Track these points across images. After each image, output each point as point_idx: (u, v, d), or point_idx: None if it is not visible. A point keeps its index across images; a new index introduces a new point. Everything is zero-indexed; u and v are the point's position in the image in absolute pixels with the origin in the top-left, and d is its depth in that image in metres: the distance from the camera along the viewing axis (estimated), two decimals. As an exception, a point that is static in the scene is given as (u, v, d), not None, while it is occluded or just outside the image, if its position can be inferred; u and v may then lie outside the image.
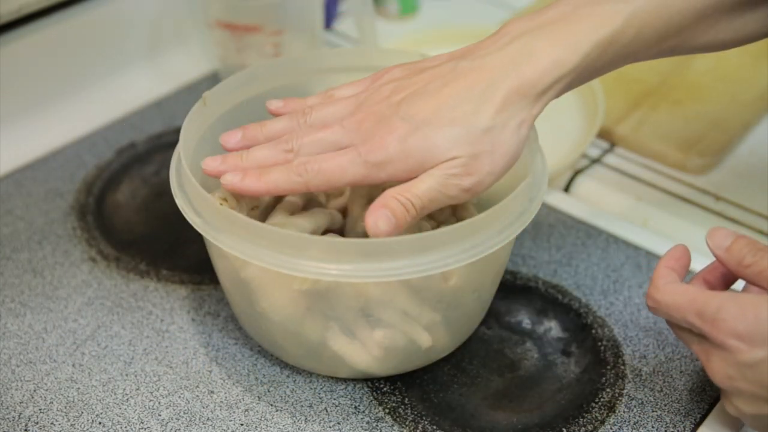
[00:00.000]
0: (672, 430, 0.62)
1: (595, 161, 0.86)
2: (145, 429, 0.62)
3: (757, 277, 0.54)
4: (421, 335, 0.61)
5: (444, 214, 0.65)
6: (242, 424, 0.62)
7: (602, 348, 0.68)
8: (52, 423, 0.62)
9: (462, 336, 0.66)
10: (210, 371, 0.66)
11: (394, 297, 0.58)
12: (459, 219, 0.64)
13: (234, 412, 0.63)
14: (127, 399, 0.64)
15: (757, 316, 0.50)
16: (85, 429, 0.62)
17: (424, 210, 0.55)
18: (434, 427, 0.62)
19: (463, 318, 0.64)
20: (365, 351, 0.61)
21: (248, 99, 0.68)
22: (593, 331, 0.69)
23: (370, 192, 0.63)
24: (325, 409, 0.63)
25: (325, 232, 0.63)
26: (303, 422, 0.62)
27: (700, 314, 0.53)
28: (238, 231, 0.56)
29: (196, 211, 0.59)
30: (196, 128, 0.65)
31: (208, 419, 0.62)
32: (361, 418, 0.63)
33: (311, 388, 0.65)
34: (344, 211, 0.66)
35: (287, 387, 0.65)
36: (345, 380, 0.65)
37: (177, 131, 0.89)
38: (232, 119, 0.67)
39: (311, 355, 0.63)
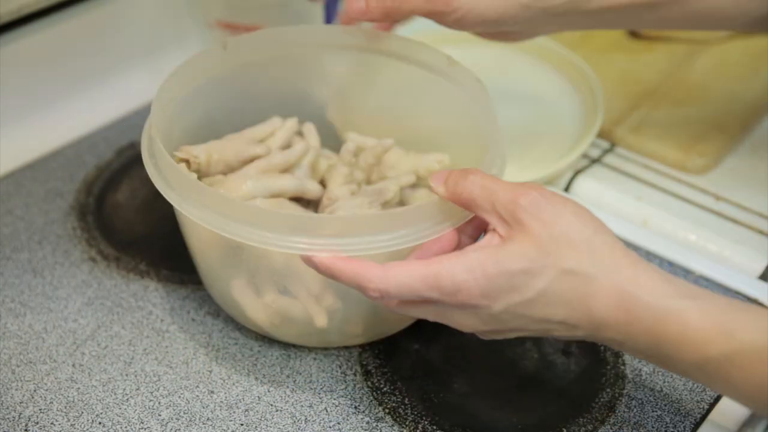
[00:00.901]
0: (672, 430, 0.62)
1: (595, 161, 0.86)
2: (145, 429, 0.62)
3: (470, 205, 0.55)
4: (318, 314, 0.62)
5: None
6: (242, 424, 0.62)
7: (602, 348, 0.68)
8: (52, 423, 0.62)
9: (380, 328, 0.67)
10: (210, 371, 0.66)
11: (302, 272, 0.59)
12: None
13: (234, 412, 0.63)
14: (127, 399, 0.64)
15: (486, 275, 0.52)
16: (85, 429, 0.62)
17: None
18: (434, 427, 0.62)
19: (371, 311, 0.65)
20: (263, 310, 0.64)
21: (236, 67, 0.70)
22: (593, 331, 0.69)
23: (352, 172, 0.67)
24: (325, 409, 0.63)
25: (296, 200, 0.67)
26: (303, 422, 0.62)
27: (437, 288, 0.53)
28: (187, 191, 0.58)
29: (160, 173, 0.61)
30: (172, 93, 0.67)
31: (208, 419, 0.62)
32: (361, 418, 0.63)
33: (311, 388, 0.65)
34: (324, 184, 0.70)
35: (287, 387, 0.65)
36: (345, 380, 0.65)
37: (177, 131, 0.90)
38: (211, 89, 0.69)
39: (224, 299, 0.67)
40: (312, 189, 0.68)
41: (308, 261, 0.55)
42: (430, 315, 0.56)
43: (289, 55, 0.72)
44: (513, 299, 0.53)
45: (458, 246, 0.58)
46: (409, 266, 0.53)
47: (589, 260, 0.52)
